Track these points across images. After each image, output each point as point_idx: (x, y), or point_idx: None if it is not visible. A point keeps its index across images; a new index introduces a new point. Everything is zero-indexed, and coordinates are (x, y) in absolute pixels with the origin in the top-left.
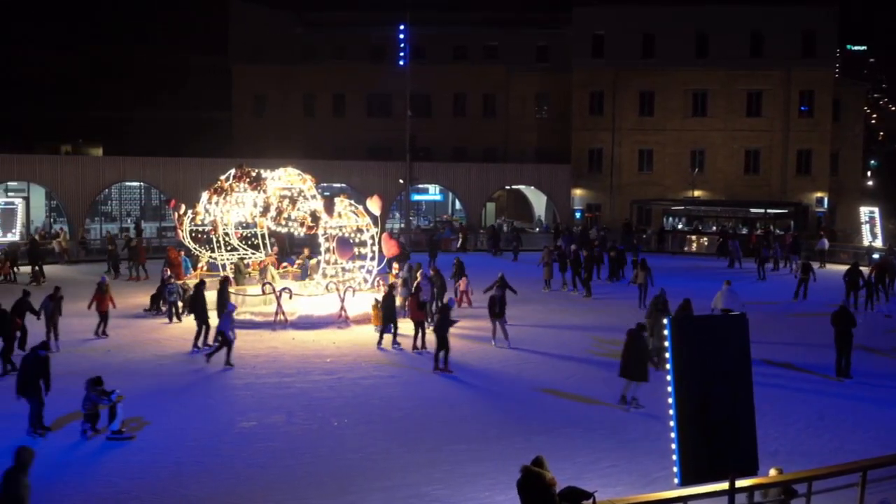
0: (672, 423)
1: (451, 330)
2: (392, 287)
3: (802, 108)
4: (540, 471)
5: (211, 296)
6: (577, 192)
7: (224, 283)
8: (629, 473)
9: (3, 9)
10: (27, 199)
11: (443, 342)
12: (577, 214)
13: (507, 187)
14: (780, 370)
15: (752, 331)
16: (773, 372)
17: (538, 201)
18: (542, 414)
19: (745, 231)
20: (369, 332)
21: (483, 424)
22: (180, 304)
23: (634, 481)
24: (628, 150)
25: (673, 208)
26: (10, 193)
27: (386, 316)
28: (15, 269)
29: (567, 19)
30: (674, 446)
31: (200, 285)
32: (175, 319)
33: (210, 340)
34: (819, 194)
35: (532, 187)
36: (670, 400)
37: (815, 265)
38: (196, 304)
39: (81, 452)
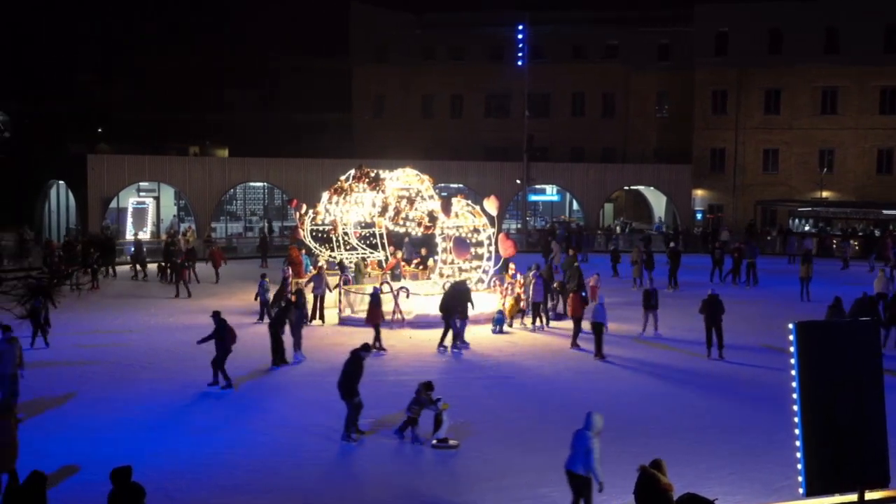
0: (797, 431)
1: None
2: (461, 283)
3: None
4: (657, 474)
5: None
6: (699, 193)
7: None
8: (750, 482)
9: (136, 16)
10: (157, 199)
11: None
12: (699, 215)
13: (626, 188)
14: None
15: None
16: None
17: (658, 202)
18: (661, 416)
19: (878, 233)
20: (485, 332)
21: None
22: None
23: (756, 490)
24: (752, 149)
25: (800, 210)
26: (141, 193)
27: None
28: (143, 269)
29: (689, 16)
30: (799, 455)
31: (290, 305)
32: (267, 318)
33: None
34: None
35: (651, 188)
36: (795, 407)
37: None
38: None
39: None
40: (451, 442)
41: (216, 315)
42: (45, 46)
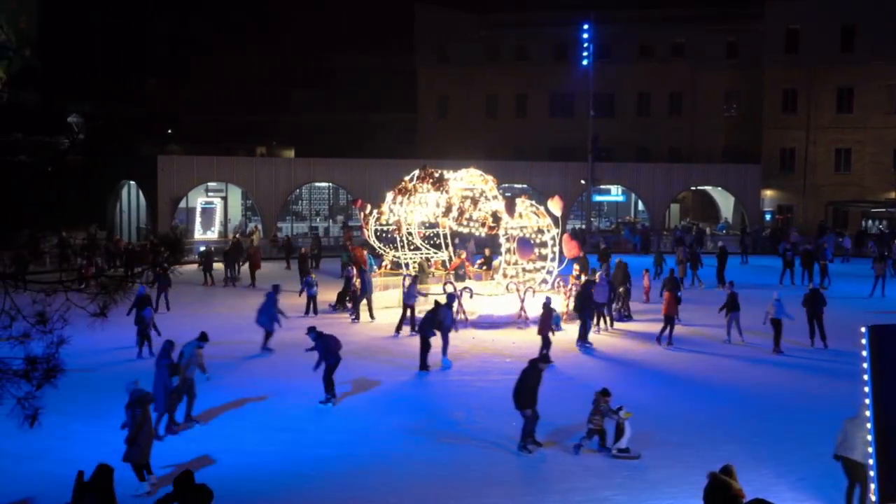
0: (869, 438)
1: None
2: (590, 283)
3: None
4: (728, 480)
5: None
6: (768, 194)
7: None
8: (820, 489)
9: (204, 18)
10: (225, 199)
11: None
12: (768, 216)
13: (693, 188)
14: None
15: None
16: None
17: (725, 203)
18: (730, 421)
19: None
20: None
21: (667, 430)
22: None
23: (828, 497)
24: (824, 149)
25: (873, 210)
26: (209, 193)
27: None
28: (210, 275)
29: (759, 14)
30: (871, 462)
31: (438, 307)
32: (312, 313)
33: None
34: None
35: (719, 188)
36: (868, 413)
37: None
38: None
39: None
40: (633, 452)
41: (312, 330)
42: (117, 50)
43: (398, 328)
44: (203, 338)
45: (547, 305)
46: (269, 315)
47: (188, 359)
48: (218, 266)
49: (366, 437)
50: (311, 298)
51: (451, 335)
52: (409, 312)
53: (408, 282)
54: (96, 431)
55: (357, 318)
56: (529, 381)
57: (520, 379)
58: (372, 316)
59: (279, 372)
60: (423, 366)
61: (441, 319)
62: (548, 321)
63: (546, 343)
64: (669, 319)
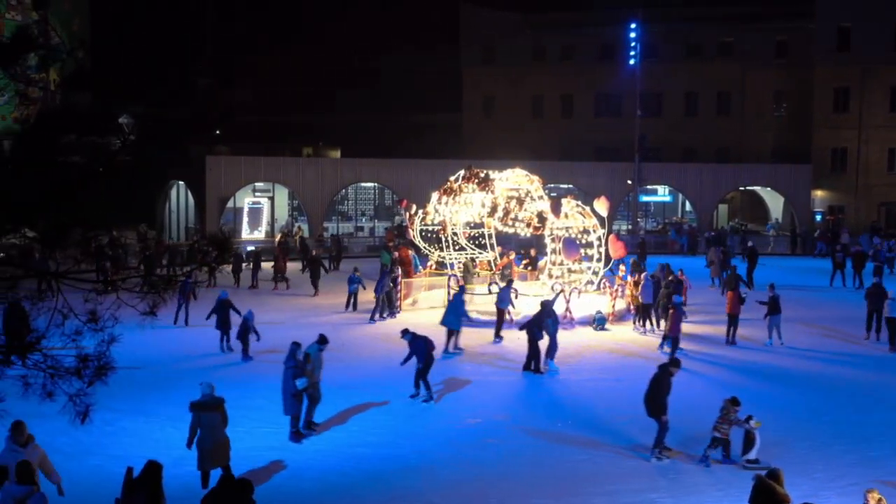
0: None
1: None
2: (675, 282)
3: None
4: (774, 484)
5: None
6: (818, 194)
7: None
8: None
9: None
10: (272, 199)
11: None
12: (818, 217)
13: (741, 188)
14: None
15: None
16: None
17: (774, 203)
18: (777, 424)
19: None
20: (593, 333)
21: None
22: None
23: None
24: (877, 148)
25: None
26: (257, 194)
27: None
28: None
29: (809, 12)
30: None
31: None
32: (351, 308)
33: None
34: None
35: (768, 189)
36: None
37: None
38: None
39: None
40: (763, 463)
41: (406, 332)
42: (167, 51)
43: (497, 333)
44: (322, 340)
45: (678, 306)
46: (458, 314)
47: (314, 361)
48: (266, 266)
49: (410, 437)
50: (352, 295)
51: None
52: (503, 317)
53: (500, 285)
54: (144, 428)
55: (393, 315)
56: (661, 387)
57: (651, 385)
58: (373, 318)
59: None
60: (530, 366)
61: (546, 321)
62: (677, 323)
63: (675, 345)
64: (733, 318)
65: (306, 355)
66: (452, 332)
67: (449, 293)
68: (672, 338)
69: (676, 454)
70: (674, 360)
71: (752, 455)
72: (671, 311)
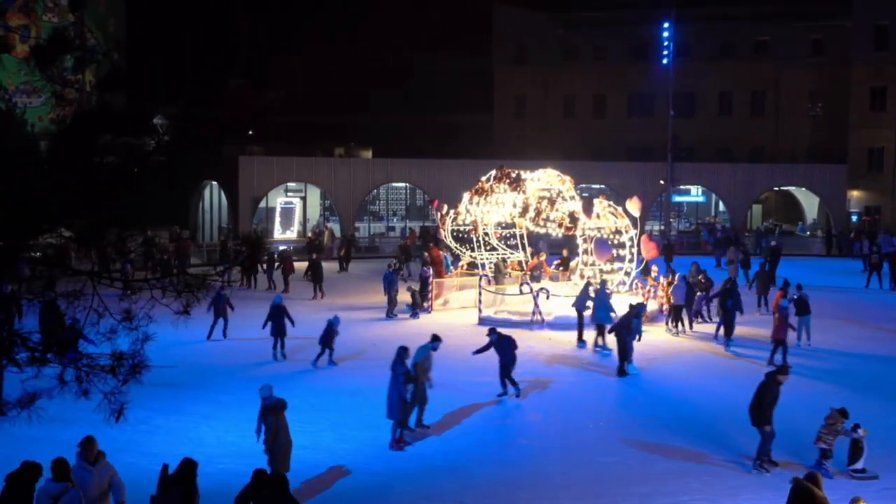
0: None
1: None
2: (732, 281)
3: None
4: (813, 488)
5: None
6: (854, 194)
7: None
8: None
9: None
10: (304, 199)
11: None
12: (854, 217)
13: (776, 188)
14: None
15: None
16: None
17: (809, 203)
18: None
19: None
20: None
21: (750, 434)
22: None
23: None
24: None
25: None
26: (289, 194)
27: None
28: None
29: (846, 10)
30: None
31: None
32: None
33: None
34: None
35: (803, 189)
36: None
37: None
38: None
39: None
40: (870, 472)
41: (493, 331)
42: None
43: (580, 337)
44: (436, 338)
45: (786, 309)
46: (607, 309)
47: (421, 362)
48: (299, 265)
49: (438, 437)
50: (389, 291)
51: (528, 335)
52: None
53: (581, 287)
54: (177, 426)
55: (417, 315)
56: (767, 396)
57: (757, 393)
58: (390, 314)
59: (356, 369)
60: (623, 371)
61: (633, 321)
62: (783, 327)
63: (783, 350)
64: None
65: (416, 364)
66: (602, 327)
67: (480, 294)
68: (778, 342)
69: (783, 465)
70: (782, 367)
71: (859, 465)
72: (777, 314)
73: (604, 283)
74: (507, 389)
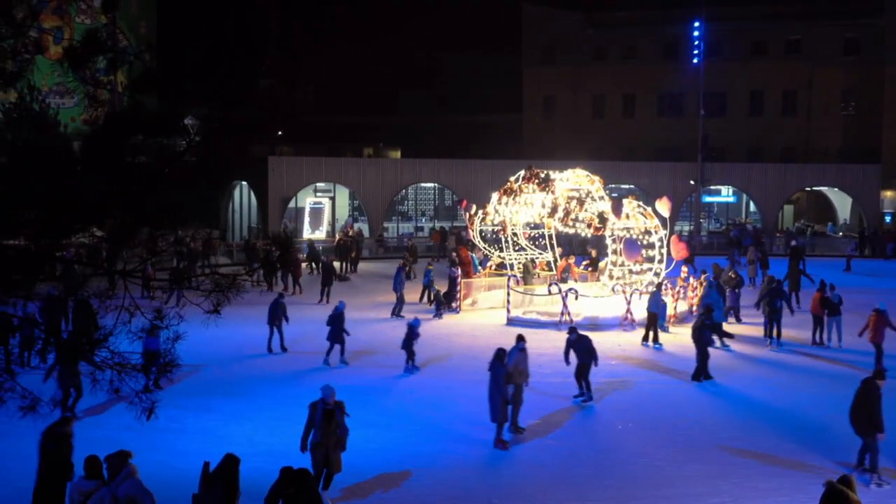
0: None
1: None
2: (775, 280)
3: None
4: (846, 490)
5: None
6: (888, 195)
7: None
8: None
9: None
10: (333, 199)
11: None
12: (888, 218)
13: (807, 189)
14: None
15: None
16: None
17: (842, 204)
18: (847, 430)
19: None
20: (659, 335)
21: (778, 437)
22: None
23: None
24: None
25: None
26: (318, 193)
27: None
28: (318, 265)
29: (879, 8)
30: None
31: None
32: (426, 301)
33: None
34: None
35: (835, 189)
36: None
37: None
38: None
39: None
40: None
41: (573, 331)
42: (231, 53)
43: (655, 339)
44: (521, 338)
45: (883, 313)
46: (721, 308)
47: (515, 363)
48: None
49: (467, 436)
50: (427, 288)
51: (557, 336)
52: (655, 321)
53: (650, 290)
54: (208, 425)
55: (441, 315)
56: (870, 402)
57: (856, 401)
58: (396, 314)
59: (387, 369)
60: (706, 375)
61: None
62: (881, 330)
63: (879, 354)
64: (818, 320)
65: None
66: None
67: (508, 295)
68: (876, 346)
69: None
70: (878, 371)
71: None
72: (873, 317)
73: (714, 283)
74: (583, 391)
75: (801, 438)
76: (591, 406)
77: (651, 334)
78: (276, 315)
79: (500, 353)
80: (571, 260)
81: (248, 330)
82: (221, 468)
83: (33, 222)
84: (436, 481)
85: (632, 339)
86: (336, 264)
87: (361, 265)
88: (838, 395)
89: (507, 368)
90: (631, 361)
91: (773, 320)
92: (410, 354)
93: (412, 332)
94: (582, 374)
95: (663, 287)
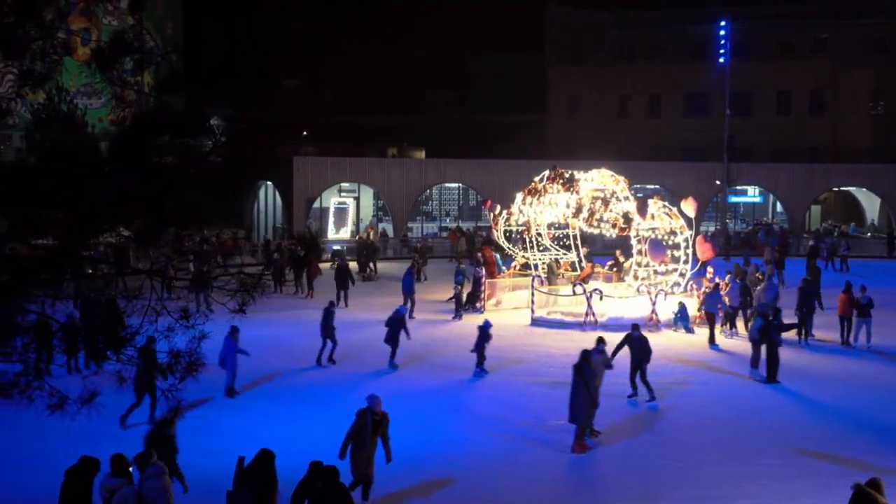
0: None
1: None
2: (809, 281)
3: None
4: (875, 494)
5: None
6: None
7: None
8: None
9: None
10: (357, 200)
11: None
12: None
13: (835, 189)
14: None
15: None
16: None
17: (870, 204)
18: (873, 432)
19: None
20: (680, 336)
21: (804, 438)
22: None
23: None
24: None
25: None
26: (342, 193)
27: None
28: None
29: None
30: None
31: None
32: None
33: None
34: None
35: (864, 189)
36: None
37: None
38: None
39: None
40: None
41: (636, 328)
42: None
43: (712, 339)
44: (601, 341)
45: None
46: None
47: (595, 365)
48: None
49: (493, 437)
50: (459, 286)
51: (581, 336)
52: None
53: (674, 290)
54: (233, 423)
55: (460, 315)
56: None
57: None
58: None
59: (411, 369)
60: (775, 378)
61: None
62: None
63: None
64: (845, 320)
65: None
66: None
67: (532, 295)
68: None
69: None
70: None
71: None
72: None
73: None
74: (635, 391)
75: (826, 438)
76: (616, 407)
77: (711, 335)
78: (329, 325)
79: (587, 354)
80: (597, 268)
81: (272, 329)
82: (256, 463)
83: (61, 222)
84: (457, 481)
85: (656, 340)
86: (353, 265)
87: (381, 265)
88: (868, 396)
89: (595, 371)
90: (656, 363)
91: (807, 320)
92: (481, 358)
93: (484, 335)
94: (641, 374)
95: (692, 287)
